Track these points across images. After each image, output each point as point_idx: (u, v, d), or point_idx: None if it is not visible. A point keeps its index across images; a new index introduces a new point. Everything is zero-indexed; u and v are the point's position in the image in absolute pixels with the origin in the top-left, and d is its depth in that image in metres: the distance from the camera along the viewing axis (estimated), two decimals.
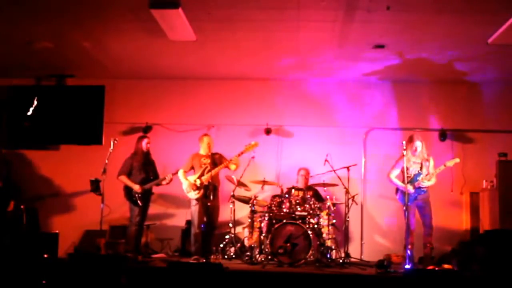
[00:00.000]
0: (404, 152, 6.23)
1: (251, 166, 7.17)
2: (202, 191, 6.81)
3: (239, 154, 6.87)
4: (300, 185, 7.42)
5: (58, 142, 8.33)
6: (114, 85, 8.18)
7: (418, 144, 6.47)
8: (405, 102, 8.18)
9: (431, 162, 6.58)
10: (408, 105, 8.17)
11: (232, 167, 6.95)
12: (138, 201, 6.98)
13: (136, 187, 6.99)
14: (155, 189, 7.29)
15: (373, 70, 7.76)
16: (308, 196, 6.95)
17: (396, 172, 6.62)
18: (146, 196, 7.12)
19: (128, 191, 7.04)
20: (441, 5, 5.53)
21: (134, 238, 6.99)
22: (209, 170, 6.84)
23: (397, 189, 6.65)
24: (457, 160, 6.55)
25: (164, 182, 7.09)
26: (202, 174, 6.86)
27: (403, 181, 6.47)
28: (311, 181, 7.55)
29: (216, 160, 6.98)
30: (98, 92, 8.01)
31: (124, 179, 7.05)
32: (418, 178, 6.46)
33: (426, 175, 6.48)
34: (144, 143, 7.18)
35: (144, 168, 7.13)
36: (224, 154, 7.16)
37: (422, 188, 6.49)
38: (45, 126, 8.02)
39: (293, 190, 7.03)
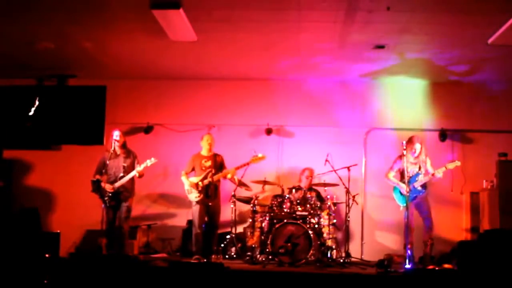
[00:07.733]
0: (404, 152, 6.26)
1: (252, 166, 7.17)
2: (202, 194, 6.83)
3: (243, 165, 6.88)
4: (304, 185, 7.42)
5: (60, 142, 8.34)
6: (116, 85, 8.19)
7: (417, 146, 6.54)
8: (405, 102, 8.18)
9: (428, 162, 6.62)
10: (408, 105, 8.17)
11: (229, 176, 6.95)
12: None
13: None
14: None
15: (373, 70, 7.77)
16: (309, 196, 6.97)
17: (393, 172, 6.75)
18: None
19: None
20: (441, 5, 5.54)
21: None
22: (212, 175, 6.83)
23: (395, 189, 6.71)
24: (458, 163, 6.56)
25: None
26: (205, 178, 6.88)
27: (401, 181, 6.58)
28: (312, 181, 7.56)
29: (217, 163, 6.99)
30: (99, 93, 8.01)
31: None
32: (417, 178, 6.52)
33: (425, 174, 6.52)
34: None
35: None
36: (225, 154, 7.18)
37: (420, 188, 6.54)
38: (46, 126, 8.02)
39: (293, 190, 7.05)
